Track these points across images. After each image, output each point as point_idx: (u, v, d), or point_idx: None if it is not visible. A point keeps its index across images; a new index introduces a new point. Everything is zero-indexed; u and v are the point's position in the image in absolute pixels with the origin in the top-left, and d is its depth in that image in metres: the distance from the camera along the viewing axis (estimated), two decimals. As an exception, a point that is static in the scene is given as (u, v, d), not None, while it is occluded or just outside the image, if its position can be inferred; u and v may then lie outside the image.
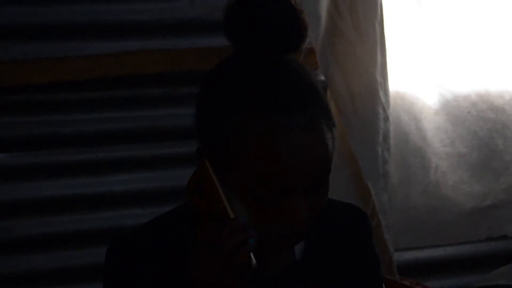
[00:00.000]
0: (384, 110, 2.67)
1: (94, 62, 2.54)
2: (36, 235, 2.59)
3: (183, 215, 1.37)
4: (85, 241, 2.62)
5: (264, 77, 1.25)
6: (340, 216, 1.47)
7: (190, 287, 1.28)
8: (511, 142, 2.90)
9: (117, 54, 2.56)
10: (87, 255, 2.59)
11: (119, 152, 2.63)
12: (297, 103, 1.23)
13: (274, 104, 1.22)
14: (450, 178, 2.86)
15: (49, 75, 2.50)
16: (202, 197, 1.27)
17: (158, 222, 1.40)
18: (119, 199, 2.64)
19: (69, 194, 2.60)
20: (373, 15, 2.63)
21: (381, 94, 2.65)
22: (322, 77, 2.65)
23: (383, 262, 2.71)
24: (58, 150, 2.59)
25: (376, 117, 2.65)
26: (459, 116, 2.85)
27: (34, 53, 2.51)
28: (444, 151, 2.85)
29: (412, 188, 2.83)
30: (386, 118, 2.68)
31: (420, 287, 2.70)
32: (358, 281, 1.46)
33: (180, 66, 2.55)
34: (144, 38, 2.60)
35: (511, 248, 3.00)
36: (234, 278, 1.23)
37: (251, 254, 1.23)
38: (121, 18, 2.58)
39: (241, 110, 1.23)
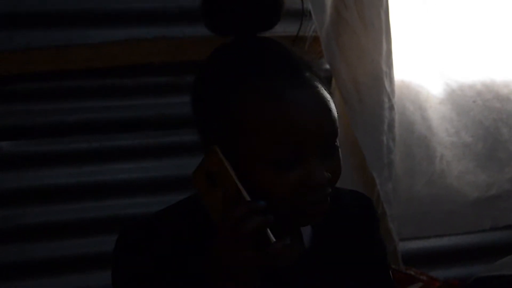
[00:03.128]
0: (389, 99, 2.66)
1: (97, 50, 2.54)
2: (40, 224, 2.59)
3: (195, 205, 1.38)
4: (89, 230, 2.62)
5: (257, 50, 1.32)
6: (346, 203, 1.49)
7: (202, 276, 1.29)
8: (517, 132, 2.89)
9: (121, 43, 2.55)
10: (91, 244, 2.59)
11: (123, 141, 2.63)
12: (291, 68, 1.30)
13: (273, 70, 1.29)
14: (455, 168, 2.86)
15: (52, 64, 2.50)
16: (214, 185, 1.27)
17: (169, 211, 1.41)
18: (123, 188, 2.64)
19: (73, 182, 2.61)
20: (378, 4, 2.62)
21: (386, 83, 2.65)
22: (327, 66, 2.65)
23: (388, 251, 2.70)
24: (62, 139, 2.59)
25: (381, 106, 2.65)
26: (464, 105, 2.84)
27: (37, 42, 2.51)
28: (449, 140, 2.84)
29: (416, 178, 2.83)
30: (391, 107, 2.67)
31: (425, 277, 2.70)
32: (366, 267, 1.47)
33: (184, 54, 2.54)
34: (148, 26, 2.59)
35: (515, 238, 3.01)
36: (249, 258, 1.24)
37: (269, 231, 1.24)
38: (125, 6, 2.58)
39: (244, 81, 1.29)
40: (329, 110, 1.30)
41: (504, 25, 2.84)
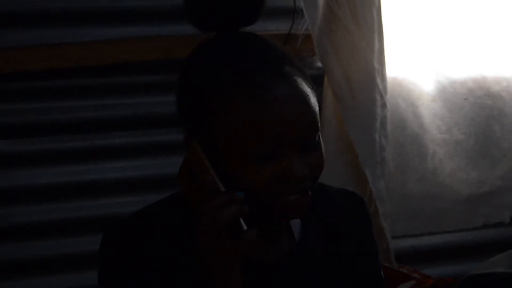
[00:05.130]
0: (382, 97, 2.67)
1: (91, 48, 2.53)
2: (32, 223, 2.58)
3: (178, 202, 1.39)
4: (81, 229, 2.62)
5: (238, 44, 1.33)
6: (338, 202, 1.49)
7: (187, 273, 1.30)
8: (508, 128, 2.90)
9: (114, 41, 2.55)
10: (83, 243, 2.59)
11: (116, 139, 2.63)
12: (271, 62, 1.31)
13: (253, 64, 1.30)
14: (447, 165, 2.86)
15: (45, 62, 2.50)
16: (195, 180, 1.29)
17: (153, 209, 1.41)
18: (115, 187, 2.64)
19: (66, 181, 2.60)
20: (370, 1, 2.62)
21: (379, 80, 2.65)
22: (319, 64, 2.65)
23: (381, 249, 2.70)
24: (54, 137, 2.59)
25: (374, 104, 2.65)
26: (456, 102, 2.85)
27: (31, 40, 2.50)
28: (441, 138, 2.85)
29: (409, 175, 2.83)
30: (384, 105, 2.67)
31: (418, 275, 2.70)
32: (357, 265, 1.48)
33: (178, 53, 2.54)
34: (142, 25, 2.59)
35: (508, 235, 3.00)
36: (226, 247, 1.25)
37: (242, 221, 1.26)
38: (118, 4, 2.57)
39: (224, 75, 1.30)
40: (308, 104, 1.30)
41: (495, 22, 2.85)
